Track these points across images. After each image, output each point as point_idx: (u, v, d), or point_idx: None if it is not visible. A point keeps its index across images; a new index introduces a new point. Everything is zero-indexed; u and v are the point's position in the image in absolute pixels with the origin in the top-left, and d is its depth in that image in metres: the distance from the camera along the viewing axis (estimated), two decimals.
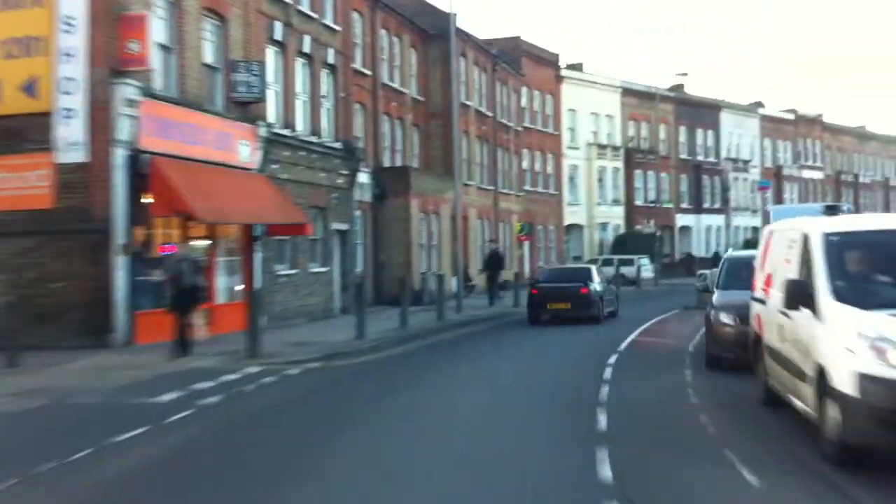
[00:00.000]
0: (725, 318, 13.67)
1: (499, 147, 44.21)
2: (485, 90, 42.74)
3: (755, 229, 68.90)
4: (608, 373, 13.66)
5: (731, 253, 15.68)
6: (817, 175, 77.07)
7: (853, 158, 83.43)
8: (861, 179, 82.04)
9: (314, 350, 16.70)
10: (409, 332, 20.76)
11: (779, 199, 71.77)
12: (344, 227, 26.93)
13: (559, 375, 14.16)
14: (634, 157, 57.45)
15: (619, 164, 56.50)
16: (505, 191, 44.77)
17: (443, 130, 36.60)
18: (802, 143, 76.11)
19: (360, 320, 18.53)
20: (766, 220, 30.25)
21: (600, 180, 55.23)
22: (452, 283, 29.43)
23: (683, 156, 62.77)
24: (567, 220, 53.22)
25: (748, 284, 13.92)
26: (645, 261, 48.16)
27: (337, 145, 26.39)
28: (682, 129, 62.95)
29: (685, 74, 48.39)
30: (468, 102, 39.73)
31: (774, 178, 70.87)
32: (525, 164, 49.26)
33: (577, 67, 55.48)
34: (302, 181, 23.98)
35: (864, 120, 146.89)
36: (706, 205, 64.02)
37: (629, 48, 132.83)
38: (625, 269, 42.94)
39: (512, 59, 46.41)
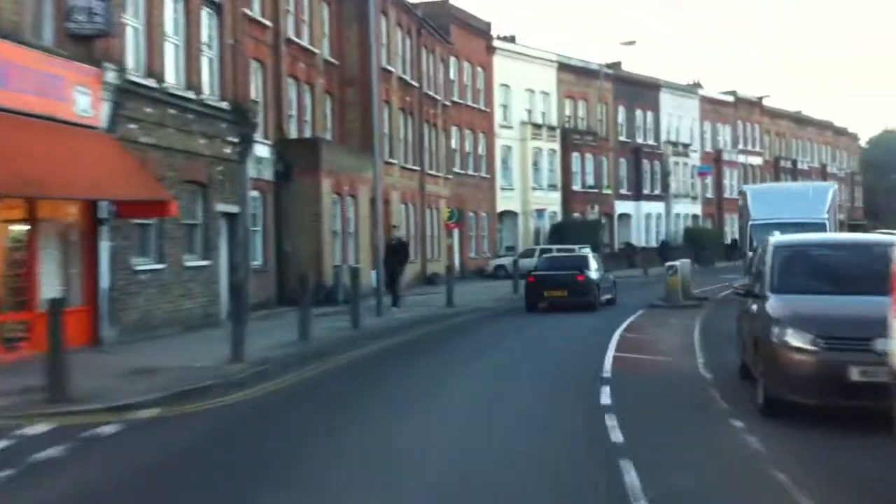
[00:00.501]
0: (798, 339, 8.58)
1: (425, 123, 38.94)
2: (409, 56, 37.39)
3: (695, 217, 65.12)
4: (612, 426, 8.57)
5: (779, 238, 10.46)
6: (756, 160, 73.69)
7: (791, 144, 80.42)
8: (799, 166, 79.04)
9: (160, 384, 11.24)
10: (311, 347, 15.45)
11: (719, 186, 68.09)
12: (233, 209, 21.37)
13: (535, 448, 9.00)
14: (571, 139, 52.75)
15: (556, 146, 51.76)
16: (432, 172, 39.55)
17: (361, 100, 31.24)
18: (742, 127, 72.59)
19: (237, 336, 13.15)
20: (743, 201, 25.84)
21: (535, 163, 50.38)
22: (372, 278, 24.18)
23: (623, 138, 58.38)
24: (500, 207, 48.26)
25: (822, 285, 9.02)
26: (587, 250, 43.41)
27: (223, 105, 20.81)
28: (621, 110, 58.54)
29: (632, 43, 43.69)
30: (389, 68, 34.35)
31: (714, 164, 67.12)
32: (454, 144, 44.11)
33: (509, 39, 50.48)
34: (173, 148, 18.34)
35: (800, 104, 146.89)
36: (646, 191, 59.76)
37: (564, 22, 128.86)
38: None
39: (439, 25, 41.16)
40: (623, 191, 57.98)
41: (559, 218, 51.43)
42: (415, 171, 37.25)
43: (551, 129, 51.53)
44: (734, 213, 70.03)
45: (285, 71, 27.29)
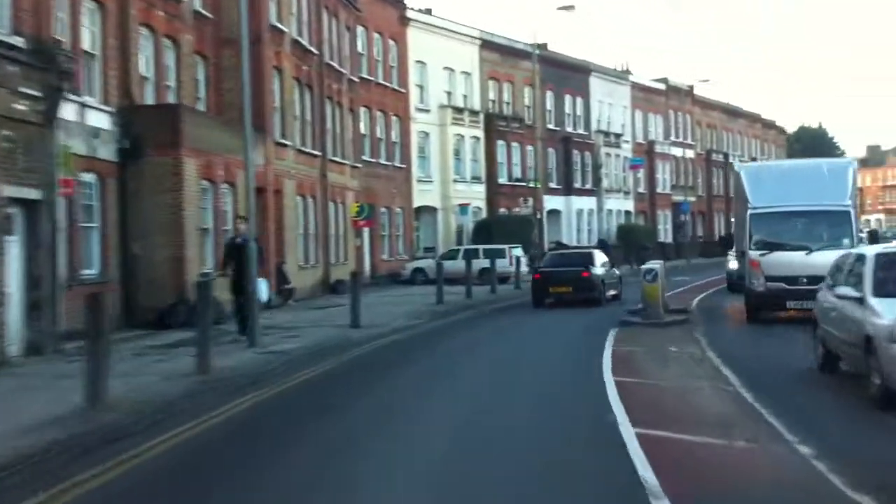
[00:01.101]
0: None
1: (328, 100, 32.42)
2: (307, 17, 30.84)
3: (628, 214, 60.04)
4: None
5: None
6: (689, 153, 69.06)
7: (723, 136, 76.18)
8: (731, 160, 74.79)
9: None
10: (95, 424, 8.91)
11: (651, 180, 63.15)
12: (34, 195, 14.65)
13: None
14: (496, 125, 46.82)
15: (479, 133, 45.77)
16: (337, 159, 33.05)
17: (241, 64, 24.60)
18: (674, 117, 67.86)
19: None
20: (737, 184, 20.17)
21: (457, 152, 44.28)
22: (261, 292, 17.77)
23: (551, 126, 52.73)
24: (417, 201, 42.04)
25: None
26: (519, 251, 37.62)
27: (15, 42, 14.10)
28: (549, 95, 52.88)
29: (571, 7, 37.80)
30: (282, 27, 27.80)
31: (646, 156, 62.11)
32: (363, 128, 37.75)
33: (425, 11, 44.29)
34: None
35: (728, 95, 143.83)
36: (577, 185, 54.26)
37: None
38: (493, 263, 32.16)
39: None
40: (552, 184, 52.39)
41: (484, 214, 45.48)
42: (315, 156, 30.73)
43: (474, 113, 45.52)
44: (667, 209, 65.40)
45: (135, 17, 20.59)
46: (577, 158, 54.39)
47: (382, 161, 39.22)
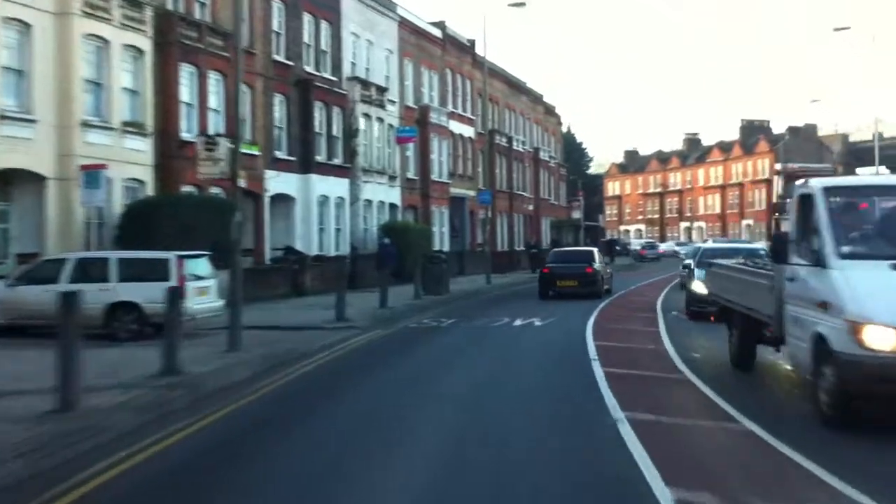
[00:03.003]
0: None
1: None
2: None
3: (393, 207, 40.82)
4: None
5: None
6: (468, 131, 51.02)
7: (505, 115, 58.96)
8: (514, 145, 57.77)
9: None
10: None
11: (424, 162, 44.26)
12: None
13: None
14: (177, 34, 25.79)
15: (144, 43, 24.54)
16: None
17: None
18: (451, 80, 49.51)
19: None
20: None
21: (95, 75, 22.86)
22: None
23: (279, 57, 32.34)
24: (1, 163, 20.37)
25: None
26: (203, 264, 17.31)
27: None
28: (278, 6, 32.50)
29: None
30: None
31: (419, 127, 43.22)
32: None
33: None
34: None
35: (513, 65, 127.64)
36: (319, 157, 34.14)
37: None
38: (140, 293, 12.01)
39: None
40: (280, 153, 32.06)
41: (150, 191, 24.33)
42: None
43: (134, 4, 24.23)
44: (444, 204, 47.05)
45: None
46: (321, 116, 34.30)
47: None
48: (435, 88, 46.79)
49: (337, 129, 35.18)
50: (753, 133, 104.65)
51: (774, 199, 35.47)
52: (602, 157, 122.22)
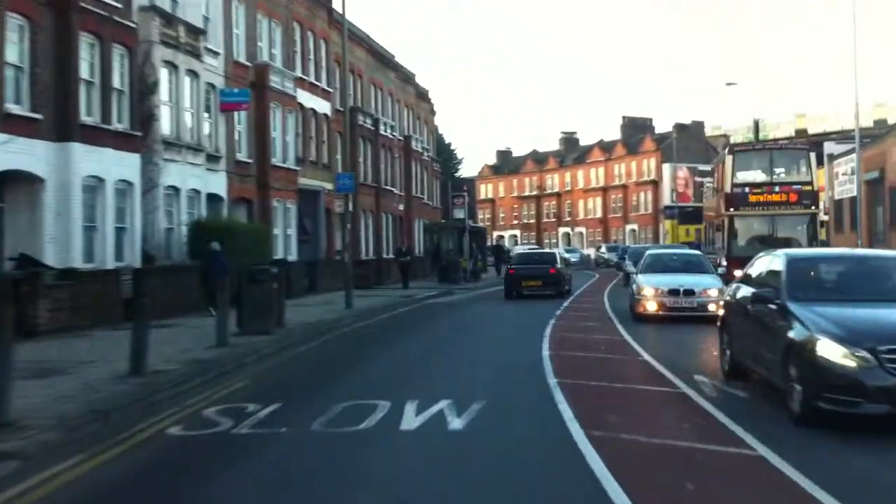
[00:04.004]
0: None
1: None
2: None
3: (214, 199, 29.32)
4: None
5: None
6: (323, 106, 39.90)
7: (370, 92, 48.01)
8: (381, 130, 46.95)
9: None
10: None
11: (262, 139, 32.88)
12: None
13: None
14: None
15: None
16: None
17: None
18: (301, 37, 38.26)
19: None
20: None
21: None
22: None
23: None
24: None
25: None
26: None
27: None
28: None
29: None
30: None
31: (255, 92, 31.84)
32: None
33: None
34: None
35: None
36: (89, 119, 22.29)
37: None
38: None
39: None
40: (17, 108, 20.19)
41: None
42: None
43: None
44: (290, 198, 35.74)
45: None
46: (93, 56, 22.53)
47: None
48: (277, 45, 35.45)
49: (121, 81, 23.52)
50: (636, 131, 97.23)
51: (728, 189, 27.34)
52: (473, 159, 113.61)
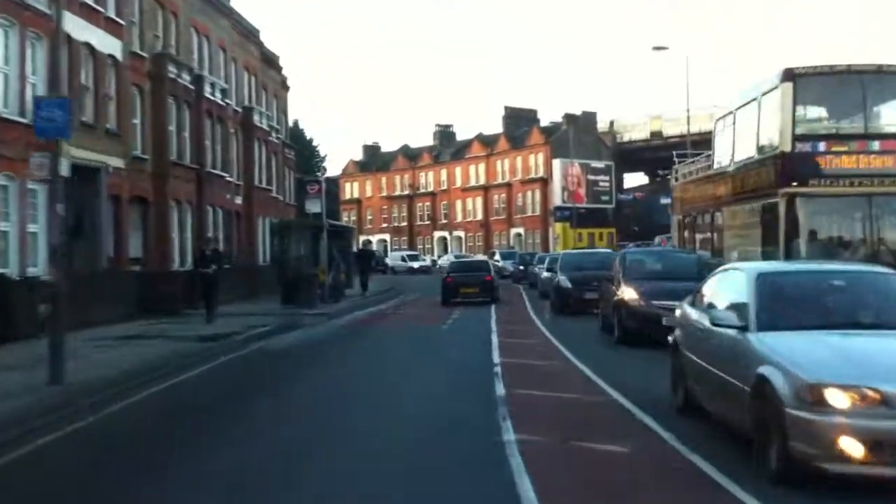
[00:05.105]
0: None
1: None
2: None
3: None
4: None
5: None
6: (111, 44, 26.70)
7: (191, 39, 34.81)
8: (207, 93, 33.89)
9: None
10: None
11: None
12: None
13: None
14: None
15: None
16: None
17: None
18: None
19: None
20: None
21: None
22: None
23: None
24: None
25: None
26: None
27: None
28: None
29: None
30: None
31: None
32: None
33: None
34: None
35: None
36: None
37: None
38: None
39: None
40: None
41: None
42: None
43: None
44: (32, 175, 22.35)
45: None
46: None
47: None
48: None
49: None
50: (520, 124, 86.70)
51: (787, 145, 12.85)
52: (338, 158, 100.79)
